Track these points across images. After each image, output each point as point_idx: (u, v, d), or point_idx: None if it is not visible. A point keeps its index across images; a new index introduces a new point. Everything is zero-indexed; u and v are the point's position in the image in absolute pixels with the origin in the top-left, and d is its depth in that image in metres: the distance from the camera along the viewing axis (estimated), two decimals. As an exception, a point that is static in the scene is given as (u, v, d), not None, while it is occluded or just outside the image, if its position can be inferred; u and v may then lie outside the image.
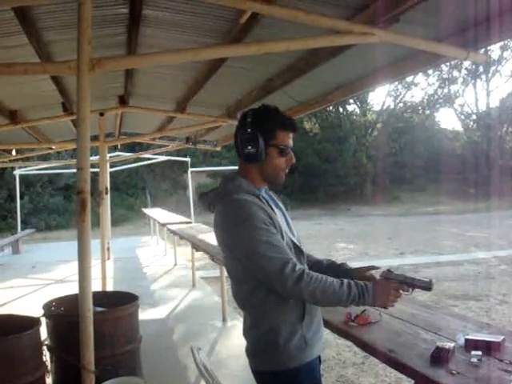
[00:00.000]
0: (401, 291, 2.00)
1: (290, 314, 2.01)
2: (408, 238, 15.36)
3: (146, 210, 15.97)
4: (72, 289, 6.47)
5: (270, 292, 1.98)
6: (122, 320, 3.41)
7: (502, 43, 27.83)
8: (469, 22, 3.24)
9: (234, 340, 5.47)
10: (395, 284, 2.00)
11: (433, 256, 12.17)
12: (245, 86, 5.77)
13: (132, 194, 25.50)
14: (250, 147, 2.06)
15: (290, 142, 2.13)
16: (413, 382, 3.67)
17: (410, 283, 2.00)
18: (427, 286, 2.02)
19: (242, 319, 6.42)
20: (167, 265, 10.78)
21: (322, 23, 3.08)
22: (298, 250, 2.11)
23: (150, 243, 14.87)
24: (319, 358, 2.15)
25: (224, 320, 6.17)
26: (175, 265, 10.68)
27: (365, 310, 2.62)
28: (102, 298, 3.67)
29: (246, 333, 2.15)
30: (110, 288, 6.84)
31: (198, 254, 8.18)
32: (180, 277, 9.43)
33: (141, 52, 4.46)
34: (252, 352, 2.11)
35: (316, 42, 3.19)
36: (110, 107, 6.51)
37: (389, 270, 2.05)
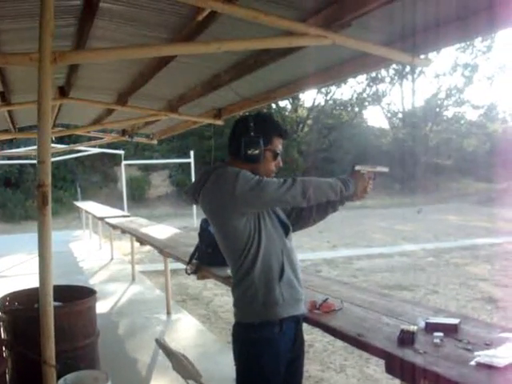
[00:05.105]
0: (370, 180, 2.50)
1: (270, 274, 2.32)
2: (339, 231, 15.80)
3: (79, 204, 15.65)
4: (10, 284, 6.36)
5: (256, 256, 2.30)
6: (82, 314, 3.41)
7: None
8: (415, 29, 3.44)
9: (180, 333, 5.54)
10: (366, 173, 2.48)
11: (364, 249, 12.63)
12: (190, 81, 5.79)
13: (61, 186, 24.78)
14: (253, 149, 2.34)
15: (281, 148, 2.45)
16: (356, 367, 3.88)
17: (377, 171, 2.52)
18: (386, 170, 2.59)
19: (186, 313, 6.49)
20: (103, 259, 10.66)
21: (280, 24, 3.19)
22: (284, 227, 2.46)
23: (82, 237, 14.60)
24: (300, 321, 2.48)
25: (168, 313, 6.22)
26: (111, 259, 10.59)
27: (327, 299, 2.78)
28: (57, 292, 3.64)
29: (233, 289, 2.45)
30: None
31: (135, 249, 8.21)
32: (118, 271, 9.37)
33: (91, 45, 4.42)
34: (236, 305, 2.43)
35: (274, 42, 3.33)
36: (49, 99, 6.36)
37: (356, 164, 2.51)
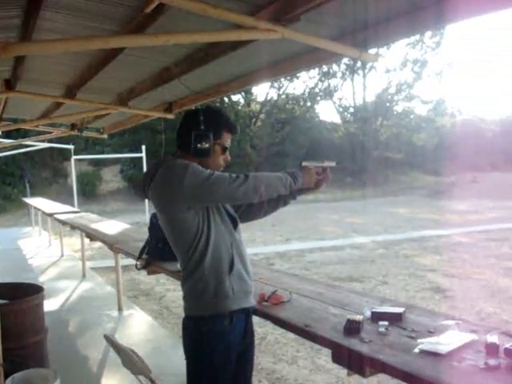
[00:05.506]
0: (318, 175, 2.52)
1: (220, 267, 2.32)
2: (291, 225, 15.95)
3: (28, 200, 15.28)
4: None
5: (206, 249, 2.29)
6: (29, 311, 3.35)
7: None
8: (362, 24, 3.50)
9: (132, 328, 5.49)
10: (313, 168, 2.50)
11: (316, 242, 12.79)
12: (140, 74, 5.72)
13: (9, 182, 24.16)
14: (203, 143, 2.34)
15: (229, 143, 2.48)
16: (307, 357, 3.93)
17: (324, 166, 2.55)
18: (333, 164, 2.59)
19: (138, 308, 6.43)
20: (53, 256, 10.46)
21: (229, 18, 3.18)
22: (233, 221, 2.45)
23: (31, 234, 14.29)
24: (250, 314, 2.50)
25: (120, 309, 6.15)
26: (62, 256, 10.39)
27: (276, 291, 2.81)
28: (2, 289, 3.56)
29: (183, 283, 2.42)
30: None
31: (85, 245, 8.09)
32: (68, 268, 9.21)
33: (38, 37, 4.31)
34: (186, 299, 2.41)
35: (223, 35, 3.32)
36: (-6, 92, 6.18)
37: (303, 160, 2.53)
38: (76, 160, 18.89)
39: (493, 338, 2.00)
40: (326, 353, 4.66)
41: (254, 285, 2.49)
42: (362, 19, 3.42)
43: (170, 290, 7.74)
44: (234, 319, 2.33)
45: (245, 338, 2.46)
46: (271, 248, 11.89)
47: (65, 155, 23.99)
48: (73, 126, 9.32)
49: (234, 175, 2.25)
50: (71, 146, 16.66)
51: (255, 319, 2.61)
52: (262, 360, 4.70)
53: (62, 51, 4.29)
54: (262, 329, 5.41)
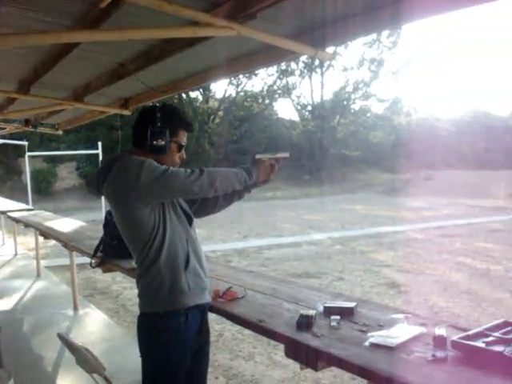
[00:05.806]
0: (273, 166, 2.57)
1: (175, 263, 2.32)
2: (250, 222, 16.02)
3: (-21, 198, 14.89)
4: None
5: (162, 246, 2.29)
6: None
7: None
8: (318, 22, 3.54)
9: (88, 327, 5.42)
10: (267, 161, 2.54)
11: (274, 238, 12.87)
12: (95, 70, 5.65)
13: (-40, 180, 23.54)
14: (159, 140, 2.33)
15: (185, 141, 2.48)
16: (263, 353, 3.95)
17: (277, 157, 2.59)
18: (287, 155, 2.64)
19: (94, 307, 6.34)
20: (6, 255, 10.22)
21: (184, 14, 3.18)
22: (188, 217, 2.46)
23: (-16, 233, 13.94)
24: (205, 310, 2.51)
25: (75, 308, 6.07)
26: (15, 255, 10.17)
27: (231, 287, 2.83)
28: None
29: (138, 280, 2.42)
30: None
31: (40, 243, 7.95)
32: (22, 267, 9.02)
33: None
34: (142, 295, 2.40)
35: (178, 32, 3.32)
36: None
37: (257, 153, 2.57)
38: (30, 157, 18.44)
39: (440, 331, 2.06)
40: (283, 348, 4.72)
41: (209, 281, 2.50)
42: (319, 18, 3.46)
43: (126, 288, 7.67)
44: (189, 316, 2.33)
45: (200, 334, 2.47)
46: (229, 245, 11.92)
47: (19, 152, 23.47)
48: (27, 122, 9.12)
49: (189, 170, 2.26)
50: (25, 143, 16.31)
51: (212, 316, 2.62)
52: (218, 356, 4.71)
53: (14, 45, 4.21)
54: (219, 325, 5.43)
